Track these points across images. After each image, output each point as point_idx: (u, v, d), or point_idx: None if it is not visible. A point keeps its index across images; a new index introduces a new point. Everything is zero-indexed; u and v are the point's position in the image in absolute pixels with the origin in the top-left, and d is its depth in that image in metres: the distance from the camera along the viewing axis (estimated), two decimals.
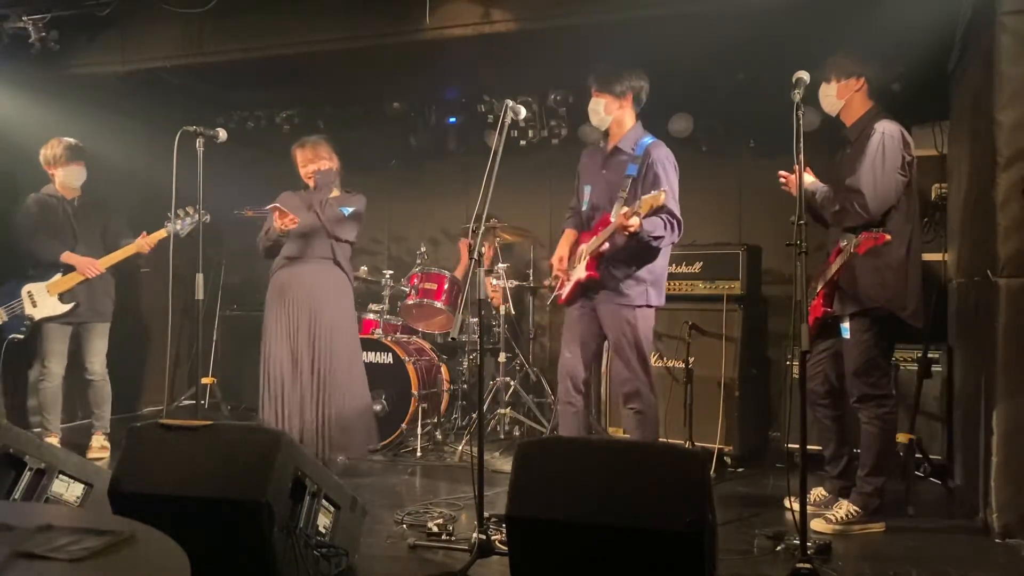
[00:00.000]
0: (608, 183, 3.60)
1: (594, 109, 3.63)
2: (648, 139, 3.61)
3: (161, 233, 4.45)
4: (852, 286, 3.30)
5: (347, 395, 4.15)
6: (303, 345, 4.11)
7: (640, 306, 3.52)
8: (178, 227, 4.17)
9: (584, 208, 3.72)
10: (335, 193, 4.31)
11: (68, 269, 4.57)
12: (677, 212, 3.44)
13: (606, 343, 3.72)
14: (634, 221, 3.22)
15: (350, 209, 4.27)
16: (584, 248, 3.59)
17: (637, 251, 3.48)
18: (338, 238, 4.22)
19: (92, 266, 4.55)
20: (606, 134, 3.68)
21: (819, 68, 3.36)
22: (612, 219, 3.38)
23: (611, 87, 3.57)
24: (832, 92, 3.46)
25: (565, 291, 3.67)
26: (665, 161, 3.52)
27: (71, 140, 4.69)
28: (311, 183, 4.25)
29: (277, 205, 4.02)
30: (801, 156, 2.79)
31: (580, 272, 3.56)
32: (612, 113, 3.60)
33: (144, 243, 4.52)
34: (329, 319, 4.14)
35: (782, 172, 3.37)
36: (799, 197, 2.83)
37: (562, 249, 3.74)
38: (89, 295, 4.63)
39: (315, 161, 4.24)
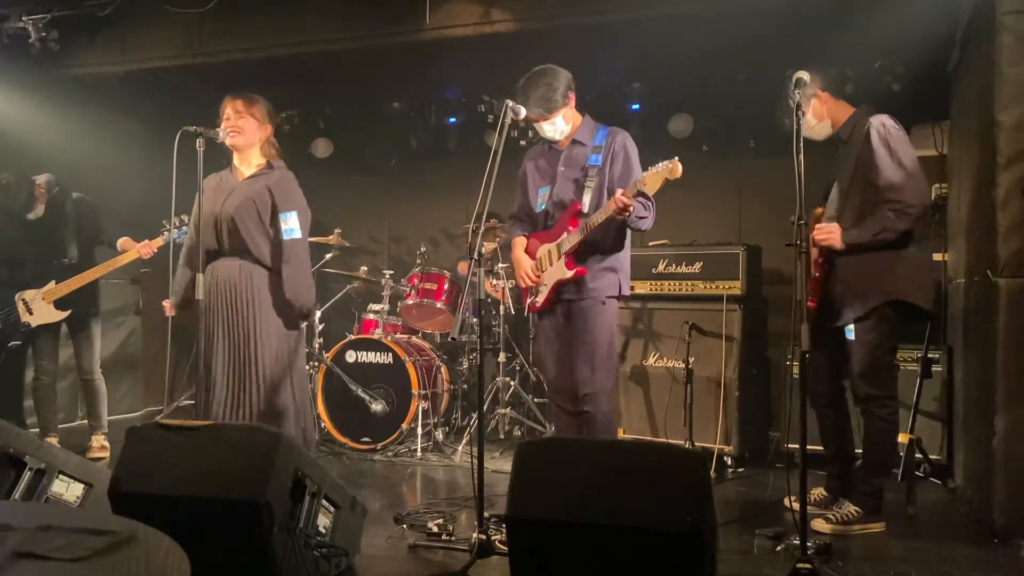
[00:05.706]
0: (568, 179, 3.46)
1: (553, 128, 3.44)
2: (604, 127, 3.51)
3: (159, 241, 4.46)
4: (859, 284, 3.28)
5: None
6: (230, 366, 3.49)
7: (613, 296, 3.42)
8: (174, 235, 4.14)
9: (540, 209, 3.56)
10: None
11: (63, 276, 4.60)
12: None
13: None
14: (628, 200, 3.10)
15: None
16: (552, 247, 3.44)
17: (612, 240, 3.40)
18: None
19: (147, 246, 4.55)
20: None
21: (786, 113, 3.08)
22: (584, 208, 3.32)
23: (555, 102, 3.39)
24: (814, 119, 3.43)
25: (541, 298, 3.50)
26: (629, 146, 3.43)
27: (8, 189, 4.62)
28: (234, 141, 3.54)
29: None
30: (801, 156, 2.78)
31: (561, 272, 3.38)
32: (570, 120, 3.48)
33: (147, 249, 4.50)
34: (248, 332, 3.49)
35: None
36: (799, 198, 2.82)
37: (525, 259, 3.54)
38: (77, 296, 4.65)
39: (240, 117, 3.52)
